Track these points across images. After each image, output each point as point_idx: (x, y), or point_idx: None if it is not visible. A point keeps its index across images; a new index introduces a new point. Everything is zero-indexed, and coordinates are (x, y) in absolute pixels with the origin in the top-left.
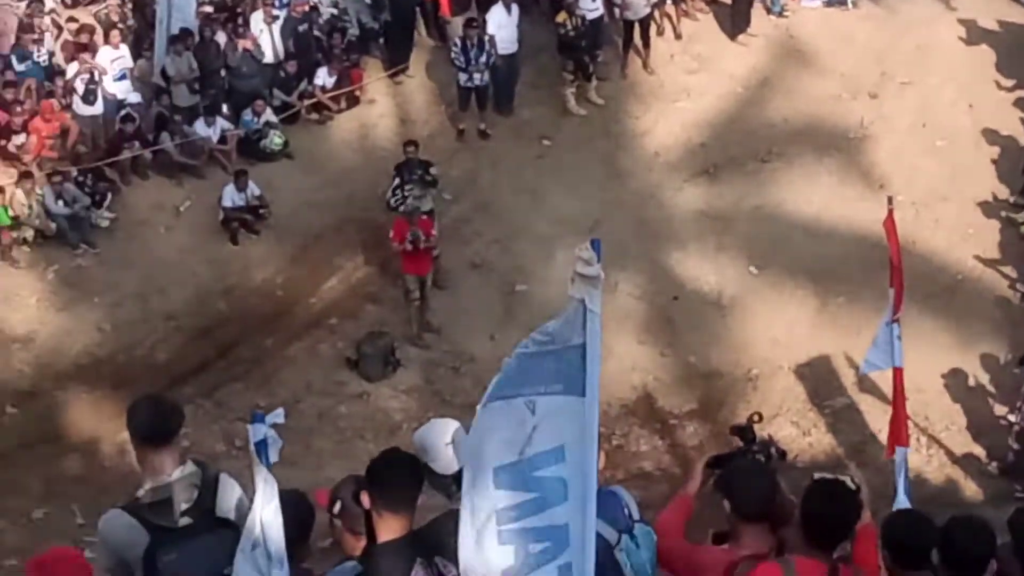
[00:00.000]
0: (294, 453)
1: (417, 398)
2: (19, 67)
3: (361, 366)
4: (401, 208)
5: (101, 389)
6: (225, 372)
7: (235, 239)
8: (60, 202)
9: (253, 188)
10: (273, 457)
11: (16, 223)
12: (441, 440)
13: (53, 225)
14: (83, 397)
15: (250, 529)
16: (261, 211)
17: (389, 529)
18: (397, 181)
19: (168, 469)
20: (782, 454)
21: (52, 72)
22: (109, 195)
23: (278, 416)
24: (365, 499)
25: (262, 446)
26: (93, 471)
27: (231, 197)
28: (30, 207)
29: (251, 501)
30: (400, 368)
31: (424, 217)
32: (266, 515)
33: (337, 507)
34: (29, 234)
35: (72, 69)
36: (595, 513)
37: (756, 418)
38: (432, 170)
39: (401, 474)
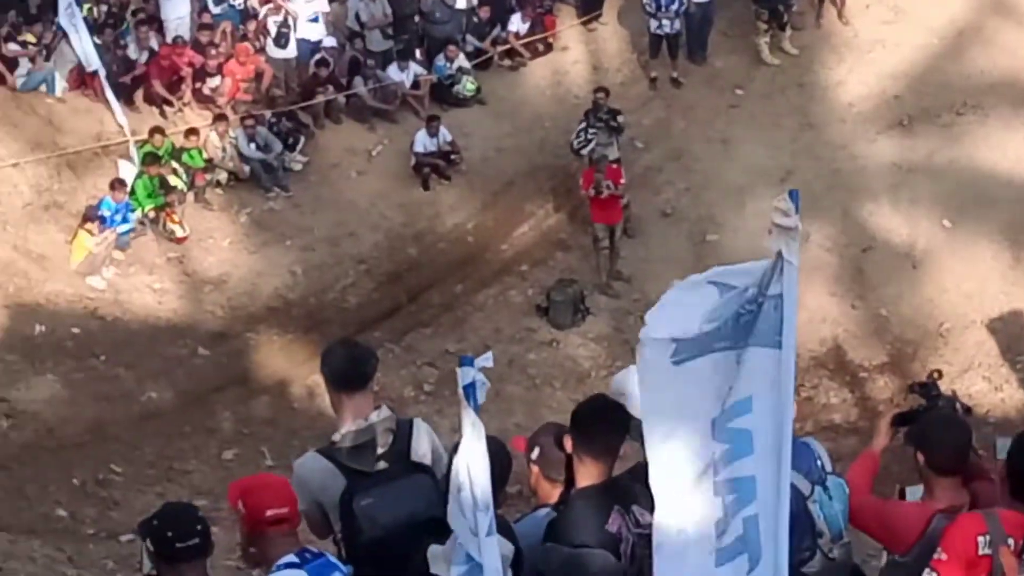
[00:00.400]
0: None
1: (606, 346)
2: (215, 10)
3: (551, 313)
4: (583, 151)
5: (292, 332)
6: (414, 317)
7: (426, 184)
8: (252, 145)
9: (445, 134)
10: (480, 399)
11: (210, 165)
12: None
13: (246, 168)
14: (274, 340)
15: (456, 473)
16: (452, 157)
17: (588, 475)
18: (583, 124)
19: (364, 414)
20: (967, 410)
21: (247, 15)
22: (302, 139)
23: (487, 360)
24: (568, 443)
25: (470, 389)
26: (283, 413)
27: (423, 142)
28: (224, 150)
29: (452, 446)
30: (589, 316)
31: (612, 165)
32: (472, 459)
33: (535, 453)
34: (223, 177)
35: (264, 11)
36: (790, 465)
37: (936, 375)
38: (619, 118)
39: (606, 420)
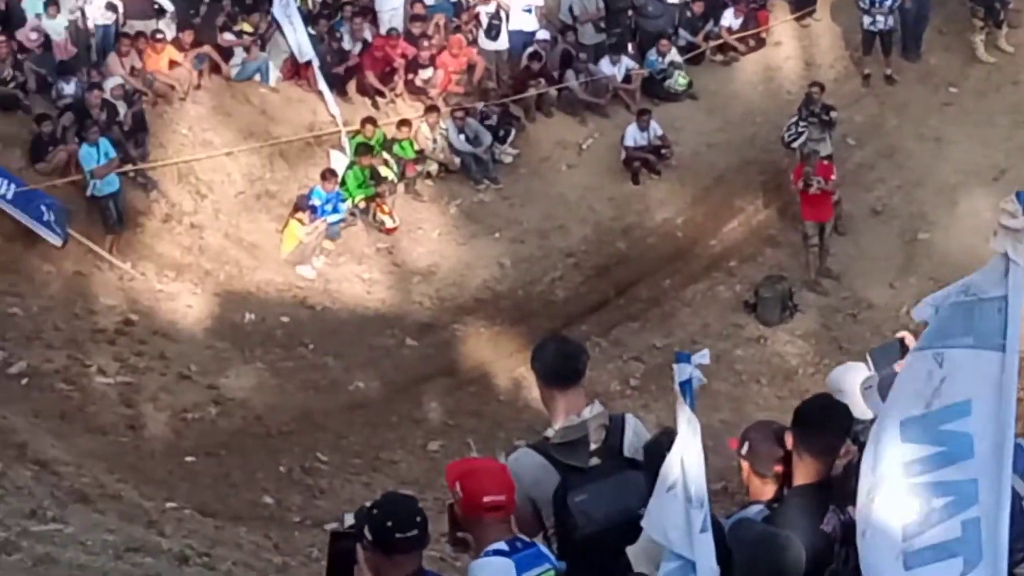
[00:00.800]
0: None
1: (814, 344)
2: (429, 1)
3: (759, 310)
4: (794, 144)
5: (499, 324)
6: (622, 311)
7: (636, 178)
8: (462, 136)
9: (655, 128)
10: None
11: (421, 157)
12: (859, 384)
13: (457, 160)
14: (481, 331)
15: (668, 469)
16: (663, 151)
17: (806, 473)
18: (795, 118)
19: (577, 409)
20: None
21: (460, 7)
22: (513, 131)
23: (703, 357)
24: (788, 440)
25: (686, 386)
26: (489, 405)
27: (633, 136)
28: (434, 141)
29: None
30: (797, 313)
31: (824, 161)
32: (687, 456)
33: (745, 448)
34: (433, 168)
35: (476, 2)
36: (1011, 469)
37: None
38: (832, 113)
39: (829, 419)
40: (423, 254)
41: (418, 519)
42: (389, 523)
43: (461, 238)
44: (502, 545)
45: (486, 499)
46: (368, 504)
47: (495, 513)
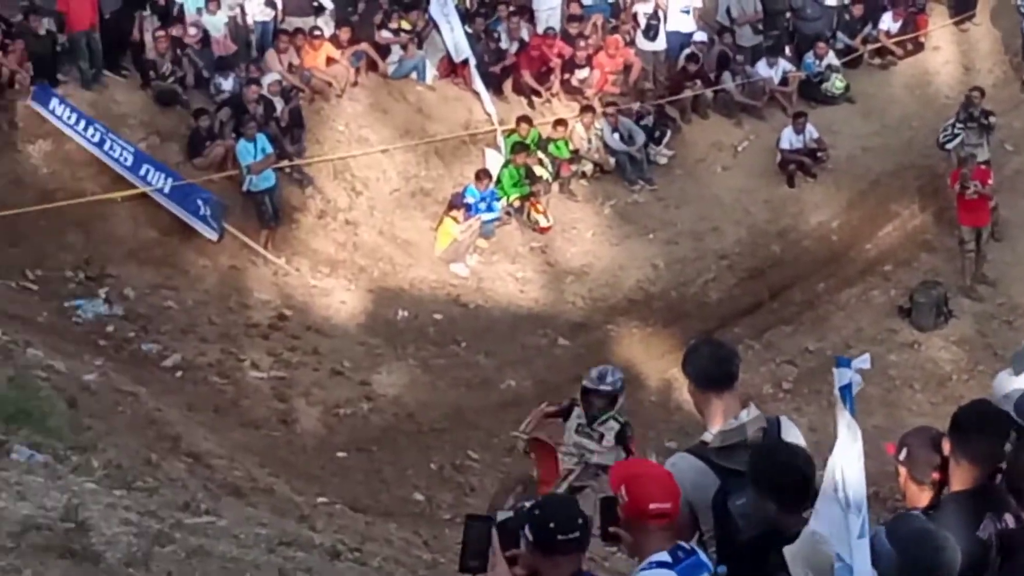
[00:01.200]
0: None
1: (968, 350)
2: (586, 2)
3: (913, 315)
4: (948, 145)
5: (651, 325)
6: (775, 314)
7: (791, 181)
8: (617, 136)
9: (811, 131)
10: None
11: (576, 156)
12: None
13: (612, 160)
14: (633, 332)
15: (829, 473)
16: (819, 154)
17: (963, 479)
18: (952, 120)
19: (734, 413)
20: None
21: (618, 8)
22: (668, 132)
23: (864, 361)
24: (946, 446)
25: (846, 391)
26: (640, 406)
27: (789, 139)
28: (589, 141)
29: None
30: (952, 319)
31: (981, 166)
32: (847, 461)
33: (903, 454)
34: (588, 168)
35: (638, 4)
36: None
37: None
38: (991, 118)
39: (988, 425)
40: (576, 254)
41: (579, 521)
42: (551, 524)
43: (615, 238)
44: (664, 556)
45: (652, 506)
46: (529, 504)
47: (660, 520)
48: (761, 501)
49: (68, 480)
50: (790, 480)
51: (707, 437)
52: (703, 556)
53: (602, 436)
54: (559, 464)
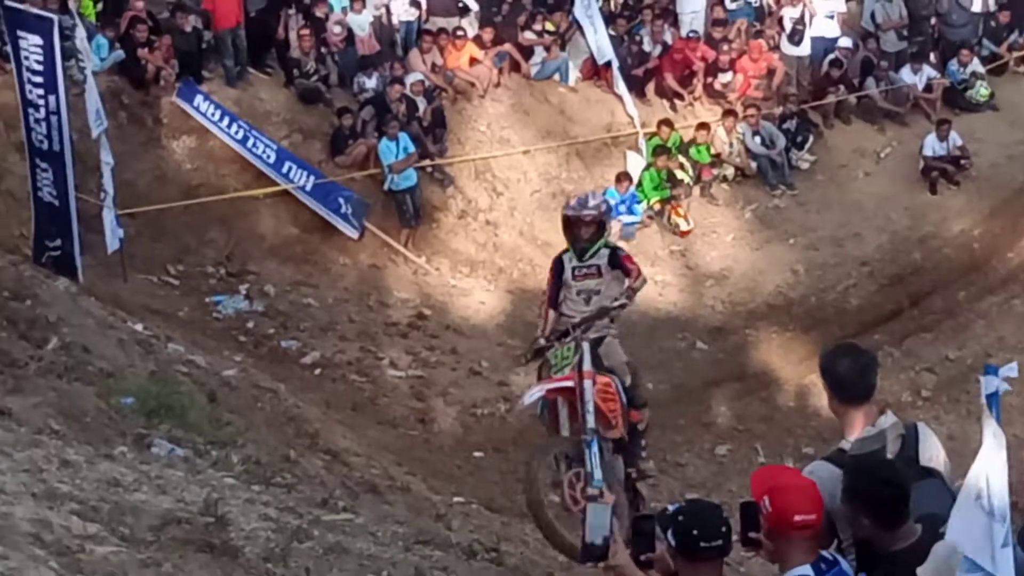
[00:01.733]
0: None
1: None
2: (731, 6)
3: None
4: None
5: (791, 330)
6: (915, 322)
7: (934, 189)
8: (757, 139)
9: (955, 138)
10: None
11: (717, 160)
12: None
13: (753, 164)
14: (772, 337)
15: (974, 480)
16: (962, 162)
17: None
18: None
19: (872, 420)
20: None
21: (763, 12)
22: (811, 137)
23: (1011, 370)
24: None
25: (993, 399)
26: (777, 411)
27: (932, 146)
28: (731, 145)
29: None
30: None
31: None
32: (992, 469)
33: None
34: (729, 172)
35: (785, 8)
36: None
37: None
38: None
39: None
40: (716, 258)
41: (723, 529)
42: (694, 531)
43: (755, 243)
44: (807, 570)
45: (797, 518)
46: (672, 509)
47: (804, 531)
48: (856, 516)
49: (207, 475)
50: (887, 495)
51: (845, 445)
52: (845, 565)
53: (599, 268)
54: (581, 398)
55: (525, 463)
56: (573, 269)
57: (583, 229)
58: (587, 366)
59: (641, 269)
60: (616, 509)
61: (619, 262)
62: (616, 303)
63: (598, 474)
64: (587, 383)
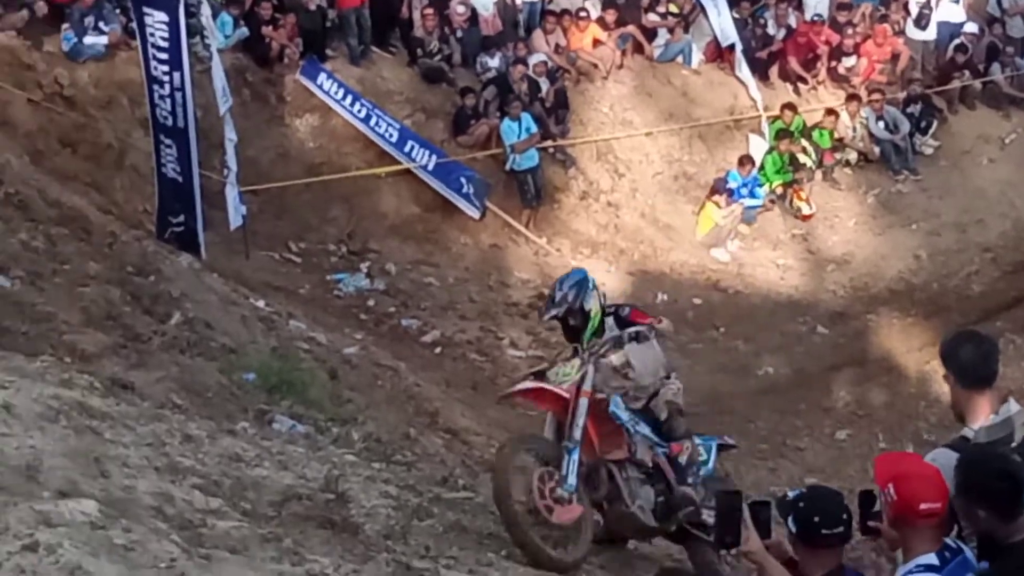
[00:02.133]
0: None
1: None
2: None
3: None
4: None
5: (912, 316)
6: None
7: None
8: (881, 123)
9: None
10: None
11: (839, 145)
12: None
13: (876, 149)
14: (893, 323)
15: None
16: None
17: None
18: None
19: (995, 407)
20: None
21: None
22: (934, 123)
23: None
24: None
25: None
26: (898, 397)
27: None
28: (854, 130)
29: None
30: None
31: None
32: None
33: None
34: (852, 156)
35: None
36: None
37: None
38: None
39: None
40: (838, 242)
41: (844, 516)
42: (816, 518)
43: (877, 228)
44: (932, 558)
45: (923, 507)
46: (792, 495)
47: (929, 520)
48: (971, 509)
49: (328, 451)
50: (1003, 489)
51: (968, 432)
52: (968, 553)
53: (606, 344)
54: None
55: (499, 446)
56: (588, 361)
57: (569, 320)
58: (587, 386)
59: (659, 320)
60: (583, 521)
61: (627, 324)
62: (631, 329)
63: (572, 480)
64: (583, 400)
